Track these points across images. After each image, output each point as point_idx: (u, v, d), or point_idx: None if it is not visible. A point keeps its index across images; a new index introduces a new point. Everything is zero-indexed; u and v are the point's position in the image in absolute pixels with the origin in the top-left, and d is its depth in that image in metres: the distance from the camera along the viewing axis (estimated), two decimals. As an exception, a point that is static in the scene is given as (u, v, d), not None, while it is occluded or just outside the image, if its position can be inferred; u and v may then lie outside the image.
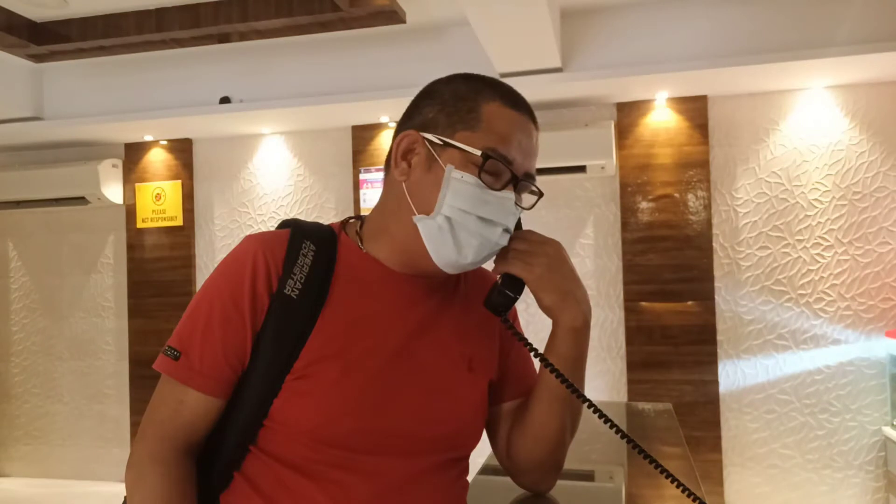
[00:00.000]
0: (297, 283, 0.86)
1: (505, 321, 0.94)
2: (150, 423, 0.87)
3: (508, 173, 0.88)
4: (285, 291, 0.86)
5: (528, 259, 0.91)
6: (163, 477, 0.84)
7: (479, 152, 0.86)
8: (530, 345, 0.95)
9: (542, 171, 3.60)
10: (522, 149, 0.89)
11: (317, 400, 0.83)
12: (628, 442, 0.90)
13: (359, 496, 0.84)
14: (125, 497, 0.91)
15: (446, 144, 0.87)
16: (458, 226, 0.86)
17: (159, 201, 4.49)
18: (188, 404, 0.86)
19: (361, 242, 0.94)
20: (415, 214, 0.88)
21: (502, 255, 0.92)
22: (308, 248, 0.89)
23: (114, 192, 4.47)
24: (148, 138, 4.48)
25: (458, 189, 0.86)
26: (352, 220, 0.99)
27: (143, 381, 4.45)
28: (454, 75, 0.94)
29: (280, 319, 0.85)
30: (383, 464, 0.85)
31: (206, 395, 0.85)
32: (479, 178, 0.86)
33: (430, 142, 0.88)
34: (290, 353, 0.84)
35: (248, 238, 0.91)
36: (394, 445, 0.87)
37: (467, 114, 0.88)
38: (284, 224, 0.95)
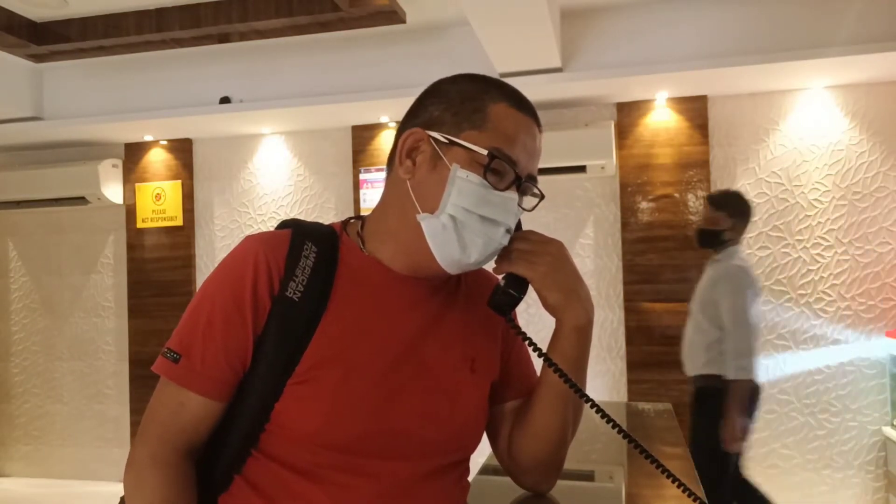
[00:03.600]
0: (300, 285, 0.85)
1: (509, 321, 0.94)
2: (150, 424, 0.86)
3: (512, 174, 0.88)
4: (287, 294, 0.85)
5: (532, 258, 0.91)
6: (163, 479, 0.83)
7: (485, 151, 0.86)
8: (534, 343, 0.95)
9: (542, 171, 3.55)
10: (527, 150, 0.89)
11: (319, 404, 0.83)
12: (629, 441, 0.90)
13: (362, 500, 0.84)
14: (121, 498, 0.91)
15: (452, 143, 0.87)
16: (461, 225, 0.86)
17: (159, 201, 4.49)
18: (189, 407, 0.85)
19: (363, 243, 0.93)
20: (419, 213, 0.87)
21: (505, 255, 0.92)
22: (310, 250, 0.88)
23: (114, 192, 4.47)
24: (148, 138, 4.48)
25: (463, 188, 0.85)
26: (352, 221, 0.98)
27: (143, 381, 4.45)
28: (459, 75, 0.94)
29: (282, 322, 0.84)
30: (387, 467, 0.85)
31: (207, 398, 0.84)
32: (484, 177, 0.86)
33: (436, 140, 0.88)
34: (291, 356, 0.83)
35: (249, 238, 0.90)
36: (397, 448, 0.86)
37: (473, 113, 0.88)
38: (284, 224, 0.94)
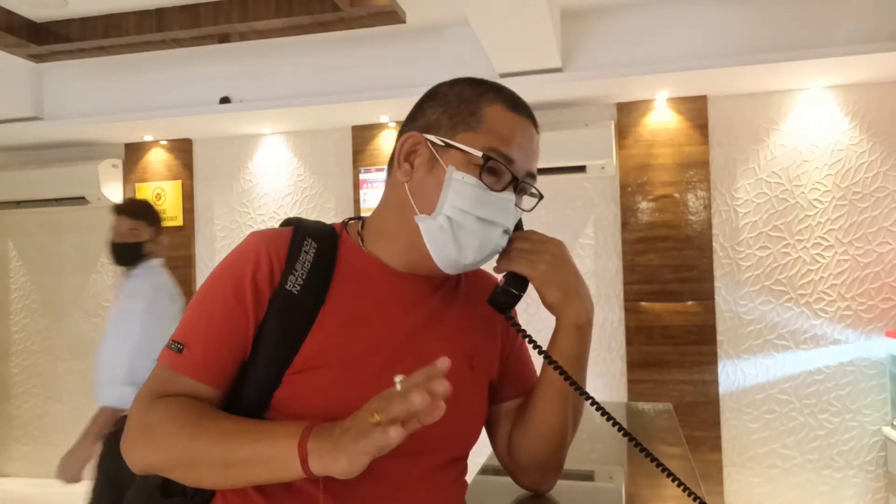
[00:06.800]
0: (299, 279, 0.88)
1: (508, 318, 0.95)
2: (146, 389, 0.86)
3: (509, 174, 0.89)
4: (287, 287, 0.87)
5: (532, 257, 0.92)
6: (172, 400, 0.83)
7: (479, 153, 0.87)
8: (534, 341, 0.95)
9: (542, 171, 3.57)
10: (523, 150, 0.91)
11: (318, 395, 0.84)
12: (630, 439, 0.90)
13: (360, 496, 0.85)
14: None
15: (448, 145, 0.89)
16: (458, 226, 0.87)
17: (159, 201, 4.49)
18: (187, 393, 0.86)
19: (362, 242, 0.95)
20: (417, 214, 0.89)
21: (505, 253, 0.94)
22: (310, 246, 0.90)
23: (114, 192, 4.47)
24: (148, 138, 4.48)
25: (459, 189, 0.87)
26: (352, 221, 1.00)
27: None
28: (458, 79, 0.96)
29: (281, 314, 0.86)
30: (385, 463, 0.85)
31: (209, 386, 0.86)
32: (480, 178, 0.87)
33: (433, 143, 0.90)
34: (290, 347, 0.85)
35: (253, 234, 0.93)
36: None
37: (469, 116, 0.90)
38: (287, 222, 0.97)
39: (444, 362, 0.70)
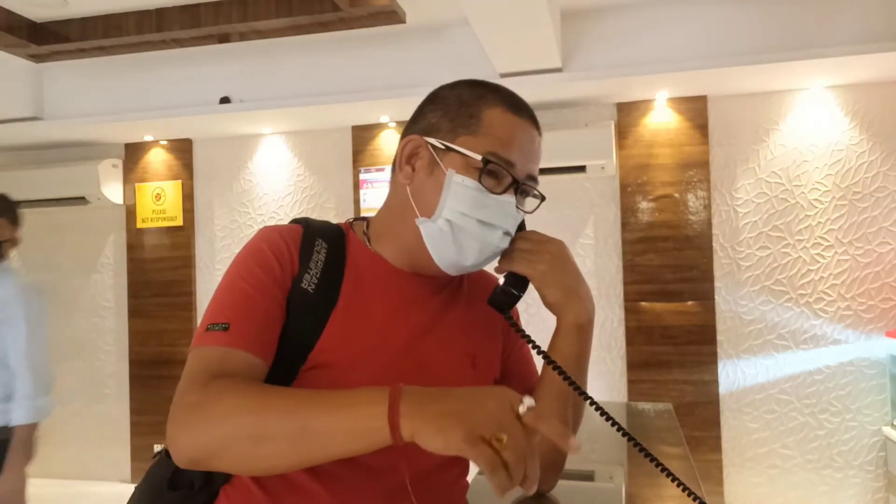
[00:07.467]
0: (314, 277, 0.89)
1: (508, 318, 0.96)
2: (194, 374, 0.80)
3: (509, 177, 0.90)
4: (302, 285, 0.88)
5: (532, 257, 0.93)
6: (230, 377, 0.78)
7: (479, 157, 0.88)
8: (533, 342, 0.96)
9: (542, 171, 3.56)
10: (524, 152, 0.91)
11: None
12: (629, 440, 0.90)
13: (362, 495, 0.85)
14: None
15: (448, 149, 0.90)
16: (458, 229, 0.88)
17: (159, 201, 4.49)
18: (237, 368, 0.81)
19: (369, 242, 0.96)
20: (418, 217, 0.90)
21: (506, 254, 0.94)
22: (321, 246, 0.92)
23: (114, 192, 4.47)
24: (148, 138, 4.48)
25: (459, 193, 0.88)
26: (357, 221, 1.01)
27: (143, 381, 4.44)
28: (459, 81, 0.96)
29: (297, 311, 0.87)
30: (387, 462, 0.86)
31: (260, 358, 0.83)
32: (480, 182, 0.88)
33: (433, 146, 0.91)
34: (304, 344, 0.86)
35: (266, 228, 0.94)
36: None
37: (469, 119, 0.90)
38: (295, 222, 0.97)
39: (574, 443, 0.69)
